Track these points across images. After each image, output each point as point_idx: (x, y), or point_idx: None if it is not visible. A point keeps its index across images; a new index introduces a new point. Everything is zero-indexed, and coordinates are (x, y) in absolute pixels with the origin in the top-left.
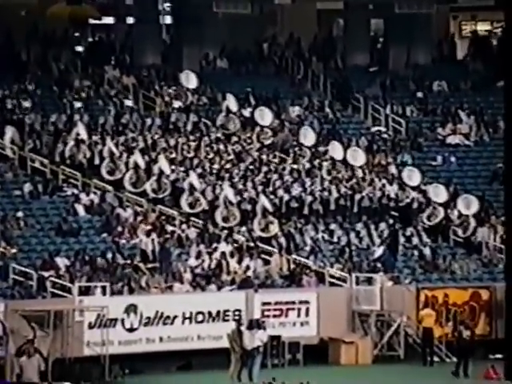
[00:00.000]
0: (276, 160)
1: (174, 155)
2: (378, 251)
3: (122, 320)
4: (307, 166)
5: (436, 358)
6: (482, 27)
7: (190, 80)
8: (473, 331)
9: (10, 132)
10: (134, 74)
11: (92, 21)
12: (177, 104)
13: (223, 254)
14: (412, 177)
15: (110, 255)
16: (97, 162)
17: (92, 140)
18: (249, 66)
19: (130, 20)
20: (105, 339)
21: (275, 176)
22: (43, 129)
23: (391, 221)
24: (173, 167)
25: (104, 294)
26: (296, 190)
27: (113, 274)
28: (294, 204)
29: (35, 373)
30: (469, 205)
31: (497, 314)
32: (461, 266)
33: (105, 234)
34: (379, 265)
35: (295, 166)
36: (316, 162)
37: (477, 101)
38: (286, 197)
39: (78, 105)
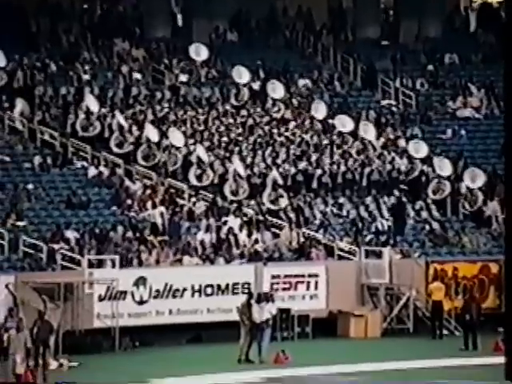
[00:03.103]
0: (286, 133)
1: (183, 128)
2: (384, 224)
3: (132, 293)
4: (317, 139)
5: (445, 331)
6: None
7: (199, 53)
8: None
9: (20, 104)
10: (144, 46)
11: None
12: (186, 77)
13: (232, 227)
14: (418, 149)
15: (119, 228)
16: (106, 135)
17: (101, 113)
18: (259, 39)
19: None
20: (115, 312)
21: (284, 149)
22: (53, 101)
23: (400, 194)
24: (183, 140)
25: (114, 266)
26: (305, 163)
27: (122, 247)
28: (303, 178)
29: (21, 349)
30: (475, 178)
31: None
32: (470, 239)
33: (114, 207)
34: (384, 238)
35: (305, 139)
36: (326, 136)
37: (487, 74)
38: (295, 170)
39: (87, 77)
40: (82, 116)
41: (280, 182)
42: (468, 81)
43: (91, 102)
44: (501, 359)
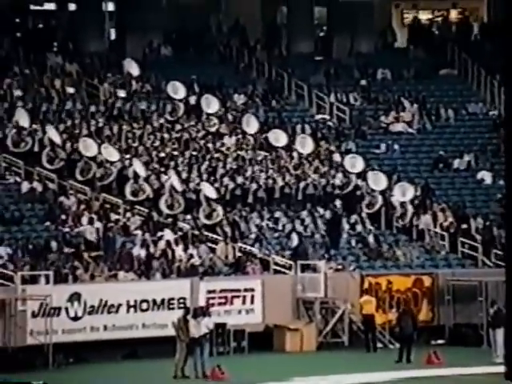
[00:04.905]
0: (221, 148)
1: (118, 143)
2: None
3: (66, 309)
4: (251, 153)
5: (379, 345)
6: (424, 16)
7: (133, 67)
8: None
9: None
10: (77, 61)
11: (33, 7)
12: (121, 92)
13: (168, 242)
14: (355, 164)
15: (53, 244)
16: (39, 150)
17: (33, 128)
18: (193, 54)
19: (72, 6)
20: (48, 328)
21: (220, 164)
22: None
23: (334, 208)
24: (117, 155)
25: (47, 282)
26: (241, 177)
27: (57, 262)
28: (239, 192)
29: None
30: (405, 192)
31: (439, 300)
32: (404, 252)
33: (48, 223)
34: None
35: (240, 154)
36: (261, 150)
37: (419, 89)
38: (231, 185)
39: (18, 92)
40: (13, 131)
41: (212, 196)
42: (400, 96)
43: (23, 117)
44: (433, 371)
